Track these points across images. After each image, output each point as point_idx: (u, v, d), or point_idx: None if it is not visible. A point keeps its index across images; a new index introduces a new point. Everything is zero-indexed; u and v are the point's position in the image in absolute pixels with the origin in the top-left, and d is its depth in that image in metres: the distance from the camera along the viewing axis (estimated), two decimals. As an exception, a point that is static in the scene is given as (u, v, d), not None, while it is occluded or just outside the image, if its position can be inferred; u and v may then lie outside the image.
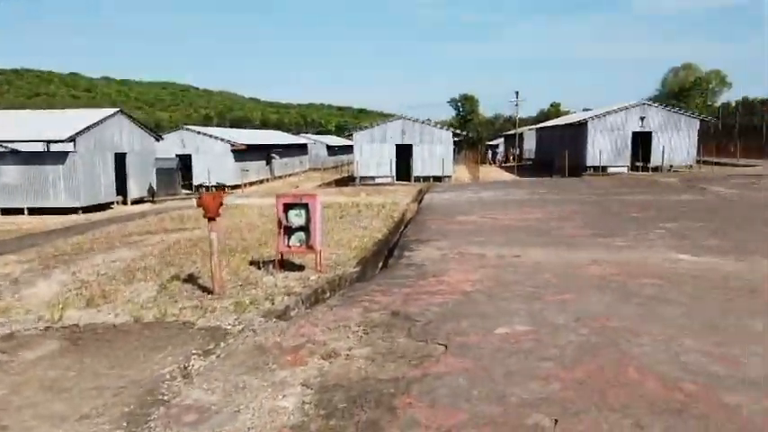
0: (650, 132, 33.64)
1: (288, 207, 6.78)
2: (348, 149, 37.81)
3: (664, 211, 11.87)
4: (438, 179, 32.88)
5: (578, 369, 3.59)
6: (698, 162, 33.02)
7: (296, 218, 6.74)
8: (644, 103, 35.21)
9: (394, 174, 34.72)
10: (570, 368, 3.61)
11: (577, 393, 3.24)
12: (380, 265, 8.34)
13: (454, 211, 13.37)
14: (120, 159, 26.15)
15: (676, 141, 33.18)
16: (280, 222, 6.74)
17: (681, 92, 74.82)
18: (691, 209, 12.17)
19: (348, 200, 16.51)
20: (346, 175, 42.86)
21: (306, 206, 6.73)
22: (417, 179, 33.16)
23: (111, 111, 26.71)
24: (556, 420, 2.91)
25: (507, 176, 39.29)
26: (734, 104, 67.02)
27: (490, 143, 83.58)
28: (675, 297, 5.22)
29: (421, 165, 35.05)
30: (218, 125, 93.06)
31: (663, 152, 32.56)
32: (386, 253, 8.98)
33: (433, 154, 35.21)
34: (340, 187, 27.62)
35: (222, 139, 36.32)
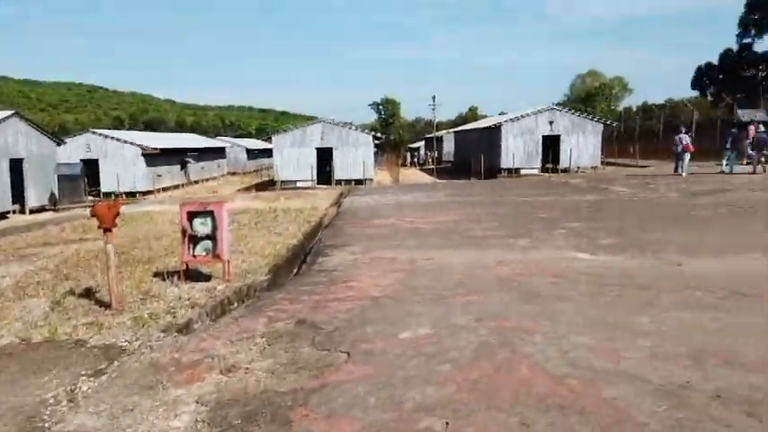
0: (559, 136, 35.43)
1: (192, 215, 6.56)
2: (269, 153, 37.20)
3: (568, 211, 12.52)
4: (360, 182, 33.02)
5: (474, 370, 3.70)
6: (602, 163, 35.11)
7: (201, 226, 6.53)
8: (552, 108, 37.03)
9: (315, 177, 34.52)
10: (467, 370, 3.72)
11: (471, 395, 3.33)
12: (295, 272, 8.25)
13: (372, 214, 13.45)
14: (16, 165, 24.34)
15: (583, 144, 35.13)
16: (184, 231, 6.51)
17: (587, 97, 79.21)
18: (593, 209, 12.91)
19: (266, 205, 16.22)
20: (267, 179, 42.15)
21: (211, 214, 6.54)
22: (339, 182, 33.16)
23: (6, 113, 24.83)
24: (447, 423, 2.99)
25: (427, 179, 40.10)
26: (635, 109, 71.94)
27: (412, 146, 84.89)
28: (571, 295, 5.51)
29: (342, 168, 35.06)
30: (129, 128, 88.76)
31: (570, 154, 34.37)
32: (300, 259, 8.89)
33: (354, 157, 35.31)
34: (259, 192, 27.09)
35: (132, 143, 34.67)
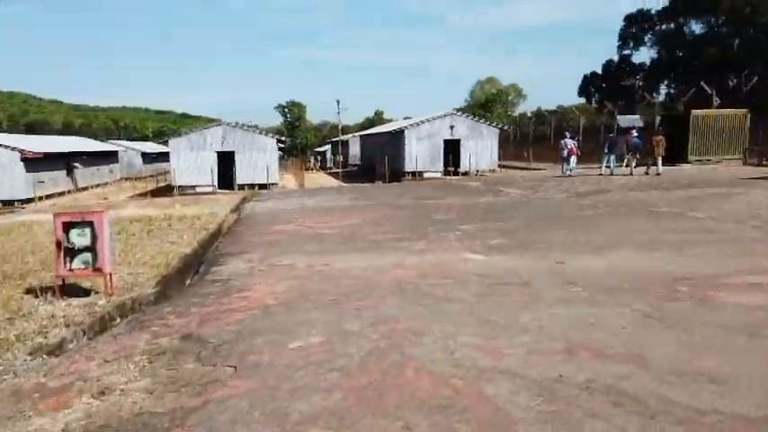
0: (459, 140, 36.68)
1: (69, 226, 6.08)
2: (168, 157, 35.47)
3: (464, 213, 12.96)
4: (263, 187, 32.34)
5: (363, 376, 3.70)
6: (499, 166, 36.75)
7: (79, 238, 6.07)
8: (453, 113, 38.29)
9: (216, 182, 33.38)
10: (355, 376, 3.71)
11: (357, 402, 3.33)
12: (187, 283, 7.89)
13: (273, 220, 13.21)
14: None
15: (481, 148, 36.60)
16: (59, 243, 6.02)
17: (486, 103, 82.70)
18: (487, 211, 13.45)
19: (160, 212, 15.42)
20: (164, 184, 40.19)
21: (91, 224, 6.10)
22: (242, 187, 32.28)
23: None
24: (330, 433, 2.96)
25: (333, 183, 40.04)
26: (529, 114, 76.09)
27: (318, 150, 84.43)
28: (461, 295, 5.68)
29: (245, 172, 34.18)
30: (8, 130, 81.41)
31: (470, 158, 35.69)
32: (194, 270, 8.52)
33: (258, 161, 34.54)
34: (155, 198, 25.75)
35: (8, 147, 31.75)
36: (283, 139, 43.28)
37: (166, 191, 34.15)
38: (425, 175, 35.43)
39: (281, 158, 44.22)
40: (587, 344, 4.14)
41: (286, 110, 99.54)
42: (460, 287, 6.04)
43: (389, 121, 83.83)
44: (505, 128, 44.83)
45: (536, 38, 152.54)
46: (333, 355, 4.10)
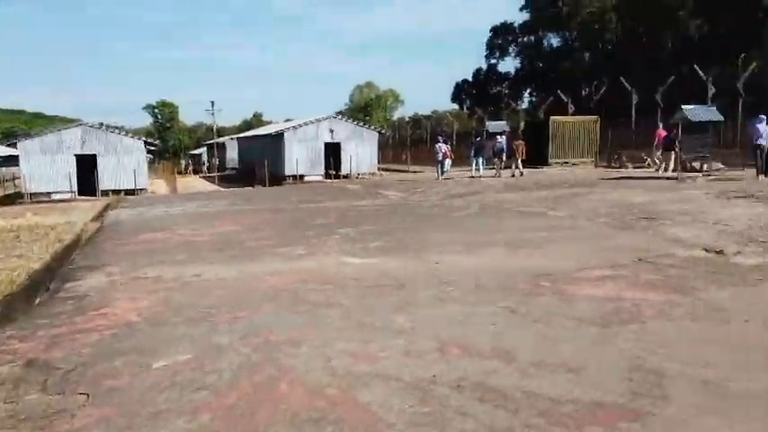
0: (339, 143, 36.86)
1: None
2: (17, 160, 31.86)
3: (344, 216, 12.98)
4: (131, 193, 30.22)
5: (233, 394, 3.51)
6: (380, 170, 37.43)
7: None
8: (333, 117, 38.42)
9: (75, 188, 30.62)
10: (225, 394, 3.51)
11: (226, 422, 3.14)
12: (36, 302, 7.07)
13: (140, 228, 12.33)
14: None
15: (361, 151, 37.05)
16: None
17: (366, 107, 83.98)
18: (366, 213, 13.59)
19: (6, 222, 13.78)
20: (13, 191, 36.17)
21: None
22: (106, 193, 29.92)
23: None
24: (194, 460, 2.75)
25: (209, 187, 38.41)
26: (407, 119, 78.44)
27: (193, 152, 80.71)
28: (339, 300, 5.62)
29: (109, 177, 31.72)
30: None
31: (351, 161, 35.97)
32: (45, 286, 7.67)
33: (124, 165, 32.21)
34: (1, 207, 23.04)
35: None
36: (153, 141, 40.76)
37: (15, 198, 30.74)
38: (306, 178, 35.18)
39: (151, 162, 41.66)
40: (459, 342, 4.26)
41: (156, 110, 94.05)
42: (339, 292, 5.99)
43: (269, 123, 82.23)
44: (384, 132, 45.80)
45: (411, 44, 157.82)
46: (201, 373, 3.86)
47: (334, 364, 3.91)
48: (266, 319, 5.10)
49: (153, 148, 38.16)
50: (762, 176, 16.19)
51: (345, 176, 35.05)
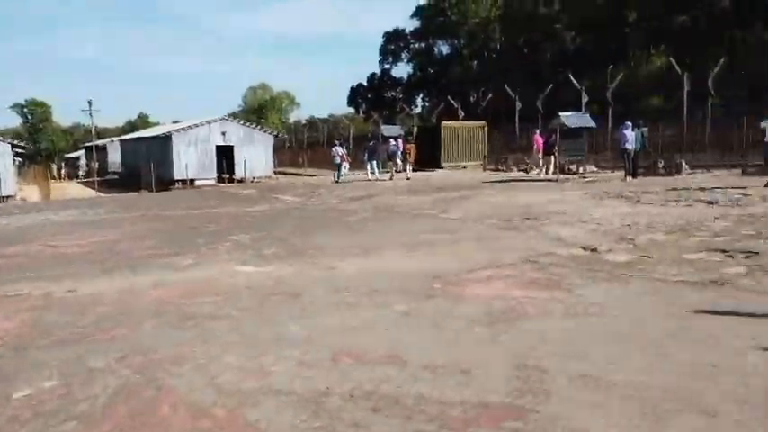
0: (232, 146, 35.73)
1: None
2: None
3: (237, 222, 12.55)
4: (-5, 200, 27.33)
5: (107, 422, 3.21)
6: (276, 173, 36.73)
7: None
8: (225, 119, 37.18)
9: (-73, 196, 27.20)
10: (98, 423, 3.20)
11: (98, 454, 2.86)
12: None
13: (6, 240, 11.16)
14: None
15: (255, 154, 36.15)
16: None
17: (260, 108, 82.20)
18: (261, 219, 13.24)
19: None
20: None
21: None
22: (-36, 201, 26.80)
23: None
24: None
25: (89, 193, 35.70)
26: (303, 122, 77.75)
27: (69, 156, 74.89)
28: (229, 312, 5.38)
29: (-32, 184, 28.49)
30: None
31: (245, 165, 34.98)
32: None
33: (-14, 170, 29.12)
34: None
35: None
36: (22, 143, 37.18)
37: None
38: (197, 182, 33.71)
39: (20, 166, 37.98)
40: (353, 350, 4.22)
41: (26, 110, 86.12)
42: (229, 303, 5.74)
43: (156, 124, 78.05)
44: (280, 135, 45.02)
45: (307, 46, 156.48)
46: (71, 401, 3.50)
47: (220, 381, 3.72)
48: (148, 336, 4.76)
49: (22, 151, 34.81)
50: (629, 178, 17.77)
51: (240, 181, 34.01)
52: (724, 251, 7.07)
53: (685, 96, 26.12)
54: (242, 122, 40.40)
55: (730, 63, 26.89)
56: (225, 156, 35.33)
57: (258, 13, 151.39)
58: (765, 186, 13.08)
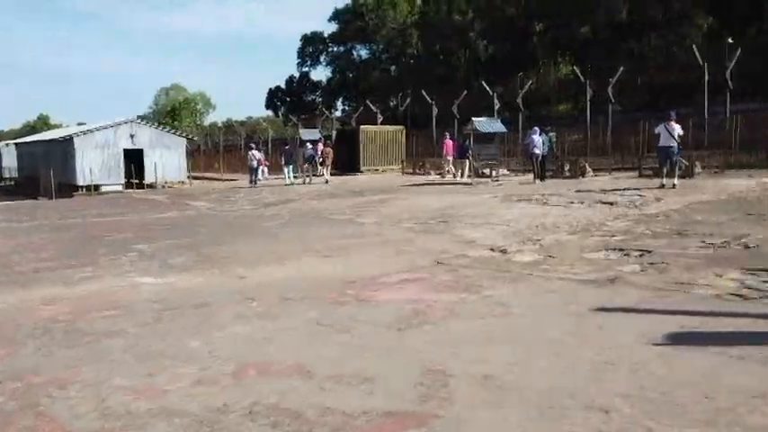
0: (142, 150, 34.03)
1: None
2: None
3: (144, 231, 11.91)
4: None
5: (-29, 459, 2.88)
6: (189, 178, 35.34)
7: None
8: (133, 121, 35.38)
9: None
10: (-40, 460, 2.86)
11: (-44, 498, 2.54)
12: None
13: None
14: None
15: (167, 159, 34.60)
16: None
17: (173, 110, 79.04)
18: (170, 226, 12.64)
19: None
20: None
21: None
22: None
23: None
24: None
25: (-21, 201, 32.77)
26: (220, 124, 75.52)
27: (-43, 160, 68.56)
28: (125, 328, 5.03)
29: None
30: None
31: (155, 169, 33.40)
32: None
33: None
34: None
35: None
36: None
37: None
38: (103, 188, 31.81)
39: None
40: (258, 362, 4.05)
41: None
42: (127, 318, 5.37)
43: (58, 126, 73.12)
44: (194, 138, 43.46)
45: (224, 48, 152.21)
46: (-70, 437, 3.11)
47: (109, 404, 3.44)
48: (31, 357, 4.36)
49: None
50: (538, 181, 18.56)
51: (150, 186, 32.43)
52: (621, 250, 7.48)
53: (588, 103, 27.73)
54: (152, 125, 38.63)
55: (629, 72, 28.81)
56: (134, 160, 33.55)
57: (172, 11, 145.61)
58: (659, 188, 14.05)
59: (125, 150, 33.57)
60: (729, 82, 21.45)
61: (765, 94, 27.56)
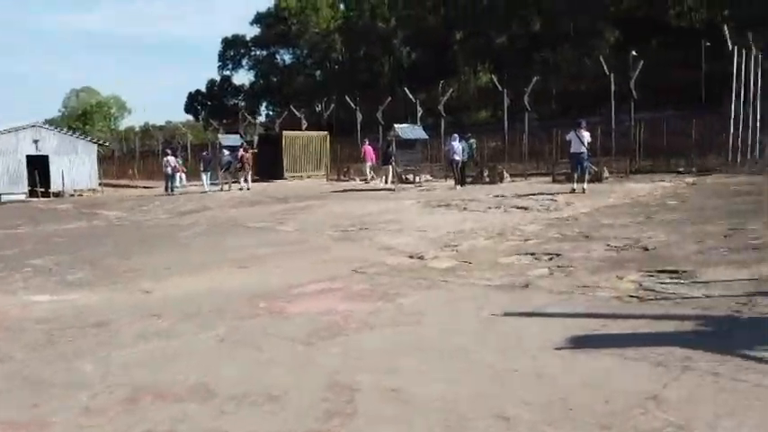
0: (47, 156, 31.87)
1: None
2: None
3: (43, 243, 11.10)
4: None
5: None
6: (102, 185, 33.46)
7: None
8: (38, 125, 33.07)
9: None
10: None
11: None
12: None
13: None
14: None
15: (76, 165, 32.60)
16: None
17: (84, 114, 74.86)
18: (74, 238, 11.86)
19: None
20: None
21: None
22: None
23: None
24: None
25: None
26: (136, 129, 72.12)
27: None
28: (10, 352, 4.62)
29: None
30: None
31: (63, 177, 31.37)
32: None
33: None
34: None
35: None
36: None
37: None
38: (4, 197, 29.48)
39: None
40: (155, 385, 3.81)
41: None
42: (13, 341, 4.94)
43: (-48, 131, 67.27)
44: (107, 143, 41.28)
45: (140, 49, 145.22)
46: None
47: (-16, 441, 3.11)
48: None
49: None
50: (458, 187, 18.95)
51: (57, 195, 30.39)
52: (532, 254, 7.71)
53: (506, 110, 28.70)
54: (60, 130, 36.31)
55: (543, 81, 30.11)
56: (38, 167, 31.30)
57: (81, 10, 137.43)
58: (570, 192, 14.70)
59: (29, 157, 31.28)
60: (633, 91, 22.79)
61: (666, 103, 29.65)
